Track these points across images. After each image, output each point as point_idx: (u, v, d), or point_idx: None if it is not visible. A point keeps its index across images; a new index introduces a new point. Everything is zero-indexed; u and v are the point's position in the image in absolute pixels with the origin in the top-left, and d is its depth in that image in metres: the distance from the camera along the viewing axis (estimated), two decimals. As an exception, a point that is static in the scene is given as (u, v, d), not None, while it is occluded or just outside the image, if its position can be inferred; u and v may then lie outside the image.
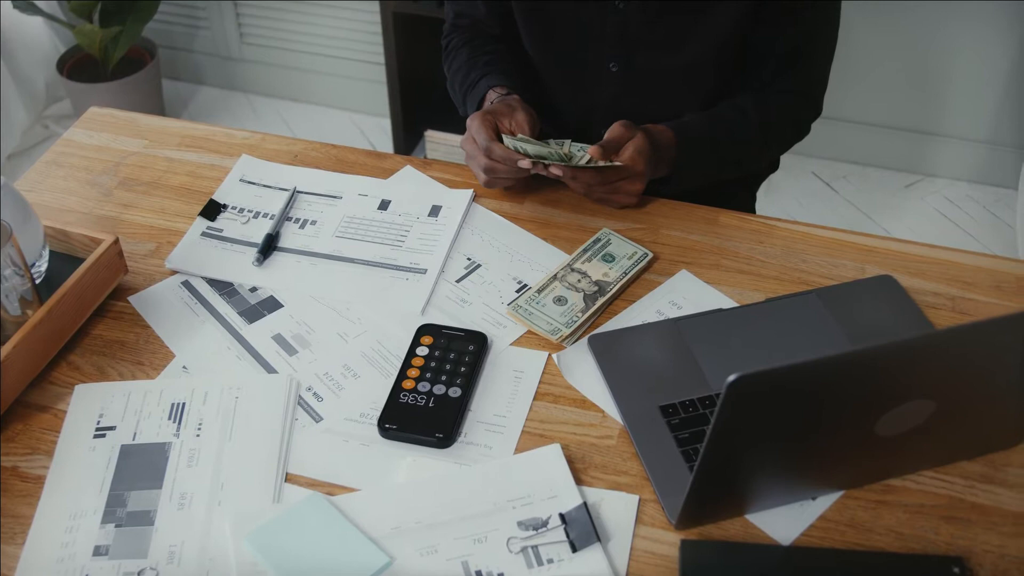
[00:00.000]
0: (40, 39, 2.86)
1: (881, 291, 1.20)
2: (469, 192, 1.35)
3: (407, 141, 2.82)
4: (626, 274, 1.22)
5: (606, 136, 1.28)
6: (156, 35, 3.00)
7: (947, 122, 2.67)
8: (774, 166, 1.61)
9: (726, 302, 1.20)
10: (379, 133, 2.94)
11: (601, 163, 1.24)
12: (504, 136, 1.27)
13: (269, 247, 1.27)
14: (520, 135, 1.27)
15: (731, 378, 0.77)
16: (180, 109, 3.05)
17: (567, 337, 1.15)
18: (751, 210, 1.62)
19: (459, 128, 2.67)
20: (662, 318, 1.18)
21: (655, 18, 1.35)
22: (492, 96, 1.38)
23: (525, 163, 1.23)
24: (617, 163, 1.24)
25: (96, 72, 2.80)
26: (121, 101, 2.72)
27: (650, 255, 1.25)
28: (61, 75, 2.79)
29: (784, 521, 0.97)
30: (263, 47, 3.01)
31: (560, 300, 1.19)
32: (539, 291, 1.20)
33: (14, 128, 2.80)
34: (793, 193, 2.71)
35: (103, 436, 1.05)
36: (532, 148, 1.23)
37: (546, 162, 1.23)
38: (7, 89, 2.77)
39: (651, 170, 1.29)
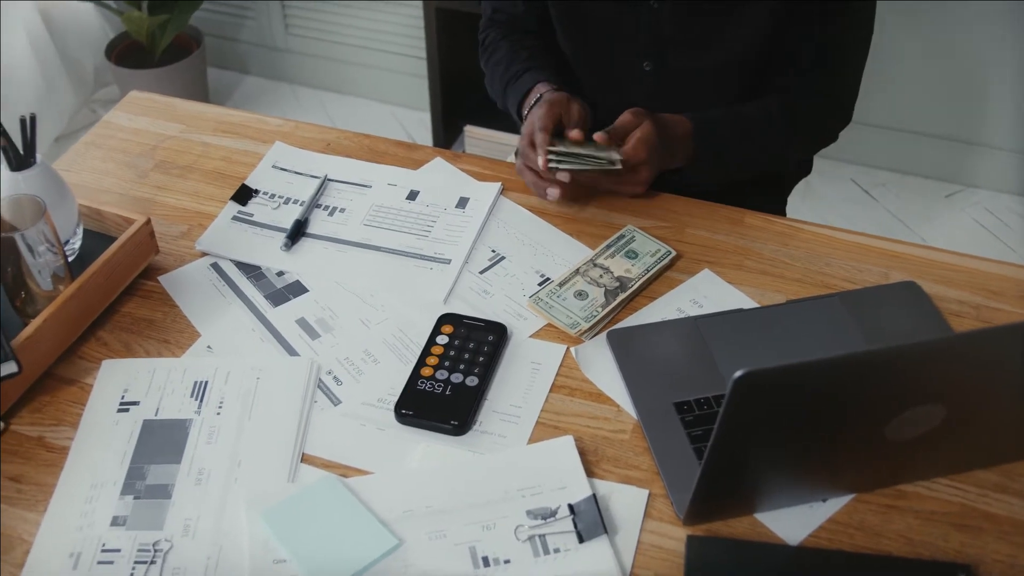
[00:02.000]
0: (90, 25, 2.92)
1: (904, 297, 1.20)
2: (497, 185, 1.36)
3: (446, 136, 2.84)
4: (648, 271, 1.23)
5: (615, 123, 1.29)
6: (203, 23, 3.04)
7: (990, 132, 2.63)
8: (805, 169, 1.60)
9: (747, 302, 1.20)
10: (419, 127, 2.96)
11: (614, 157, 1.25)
12: (549, 153, 1.25)
13: (298, 233, 1.29)
14: (560, 151, 1.26)
15: (737, 374, 0.77)
16: (225, 97, 3.09)
17: (586, 331, 1.16)
18: (781, 214, 1.61)
19: (499, 124, 2.71)
20: (682, 316, 1.18)
21: (688, 17, 1.35)
22: (542, 89, 1.37)
23: (554, 192, 1.28)
24: (617, 160, 1.25)
25: (143, 59, 2.85)
26: (167, 88, 2.76)
27: (673, 253, 1.25)
28: (109, 61, 2.84)
29: (793, 521, 0.98)
30: (308, 38, 3.04)
31: (581, 294, 1.20)
32: (560, 285, 1.21)
33: (63, 111, 2.86)
34: (831, 199, 2.69)
35: (127, 411, 1.07)
36: (569, 164, 1.25)
37: (560, 166, 1.24)
38: (57, 73, 2.83)
39: (659, 159, 1.29)
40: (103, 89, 3.02)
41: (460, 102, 2.82)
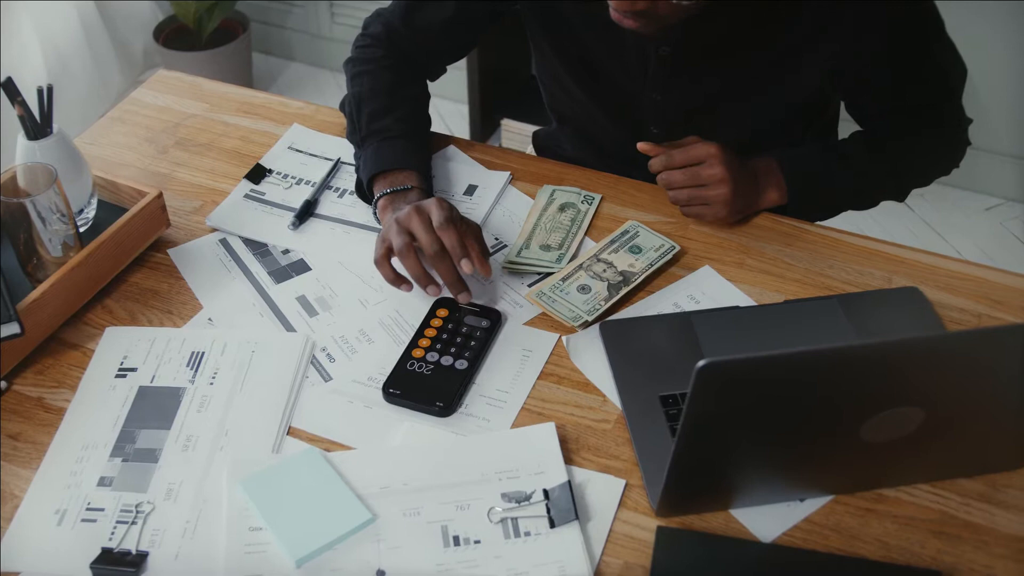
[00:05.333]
0: (140, 7, 2.98)
1: (904, 302, 1.18)
2: (506, 174, 1.37)
3: (483, 128, 2.86)
4: (652, 265, 1.23)
5: (681, 141, 1.26)
6: (250, 9, 3.09)
7: (1034, 146, 2.59)
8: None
9: (744, 300, 1.20)
10: (458, 118, 2.98)
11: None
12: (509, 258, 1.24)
13: (306, 213, 1.31)
14: (518, 259, 1.25)
15: (700, 363, 0.77)
16: (269, 83, 3.14)
17: (588, 324, 1.16)
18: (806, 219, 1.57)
19: (535, 119, 2.71)
20: (678, 311, 1.18)
21: (693, 111, 1.34)
22: (408, 183, 1.24)
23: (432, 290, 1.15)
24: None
25: (190, 42, 2.90)
26: (212, 71, 2.81)
27: (677, 248, 1.25)
28: (157, 43, 2.90)
29: (768, 519, 0.97)
30: (353, 27, 3.07)
31: (584, 289, 1.20)
32: (563, 279, 1.21)
33: (111, 91, 2.92)
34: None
35: (124, 376, 1.10)
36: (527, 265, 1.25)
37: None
38: (106, 54, 2.89)
39: (740, 177, 1.24)
40: (150, 71, 3.08)
41: (498, 96, 2.83)
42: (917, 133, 1.33)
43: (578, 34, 1.33)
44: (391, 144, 1.28)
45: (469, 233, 1.16)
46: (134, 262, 1.24)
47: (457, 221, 1.15)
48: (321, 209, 1.33)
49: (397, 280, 1.16)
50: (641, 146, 1.25)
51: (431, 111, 1.40)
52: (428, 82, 1.42)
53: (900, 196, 1.41)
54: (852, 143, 1.35)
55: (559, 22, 1.34)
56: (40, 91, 1.19)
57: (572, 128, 1.53)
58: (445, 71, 1.45)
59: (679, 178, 1.24)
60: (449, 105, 3.01)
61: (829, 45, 1.24)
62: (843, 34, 1.22)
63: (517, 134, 2.80)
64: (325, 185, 1.36)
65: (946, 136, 1.37)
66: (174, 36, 2.93)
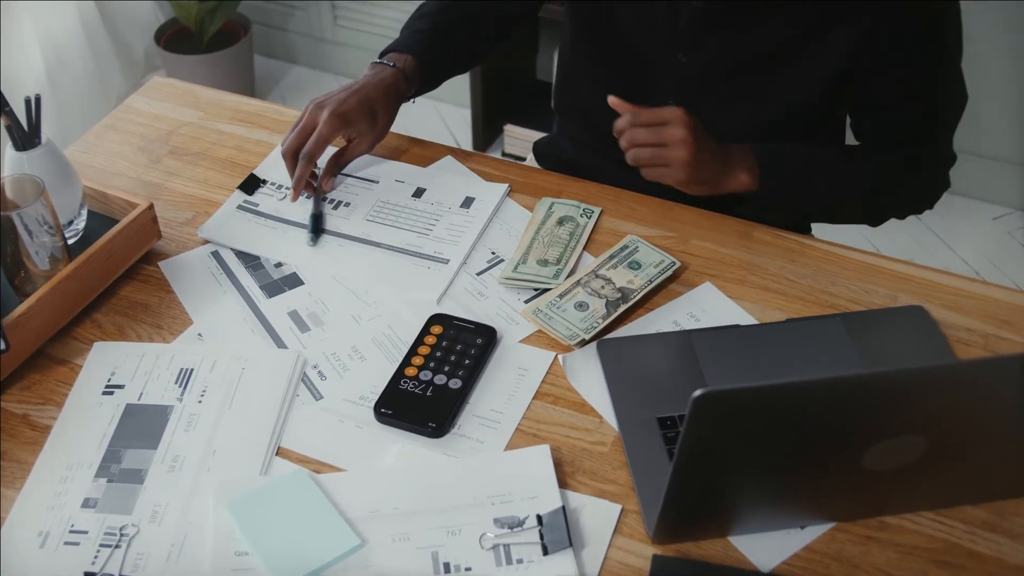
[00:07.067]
0: (142, 9, 2.96)
1: (909, 322, 1.16)
2: (504, 186, 1.35)
3: (486, 134, 2.83)
4: (651, 282, 1.20)
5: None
6: (252, 12, 3.07)
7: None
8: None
9: (746, 318, 1.17)
10: (461, 123, 2.96)
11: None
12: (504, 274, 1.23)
13: (318, 226, 1.28)
14: (515, 276, 1.22)
15: (696, 393, 0.75)
16: (271, 86, 3.12)
17: (585, 342, 1.14)
18: (805, 231, 1.56)
19: (539, 125, 2.69)
20: (678, 329, 1.16)
21: (715, 81, 1.31)
22: (394, 61, 1.37)
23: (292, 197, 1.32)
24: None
25: (192, 44, 2.88)
26: (213, 75, 2.80)
27: (677, 264, 1.22)
28: (158, 45, 2.88)
29: (767, 547, 0.95)
30: (356, 31, 3.05)
31: (581, 306, 1.18)
32: (561, 296, 1.19)
33: (111, 94, 2.90)
34: (873, 216, 2.63)
35: (111, 393, 1.08)
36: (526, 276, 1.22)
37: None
38: (107, 56, 2.87)
39: (704, 147, 1.20)
40: (152, 74, 3.06)
41: (501, 101, 2.81)
42: (902, 157, 1.32)
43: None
44: (410, 34, 1.40)
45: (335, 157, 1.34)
46: (124, 275, 1.22)
47: (315, 153, 1.29)
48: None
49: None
50: (612, 100, 1.22)
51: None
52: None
53: (874, 220, 1.40)
54: (834, 148, 1.34)
55: None
56: (28, 101, 1.17)
57: (576, 126, 1.51)
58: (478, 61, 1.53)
59: (642, 135, 1.20)
60: (452, 110, 2.99)
61: (849, 33, 1.23)
62: (861, 26, 1.22)
63: (520, 139, 2.78)
64: (321, 196, 1.34)
65: (930, 169, 1.35)
66: (175, 39, 2.91)
